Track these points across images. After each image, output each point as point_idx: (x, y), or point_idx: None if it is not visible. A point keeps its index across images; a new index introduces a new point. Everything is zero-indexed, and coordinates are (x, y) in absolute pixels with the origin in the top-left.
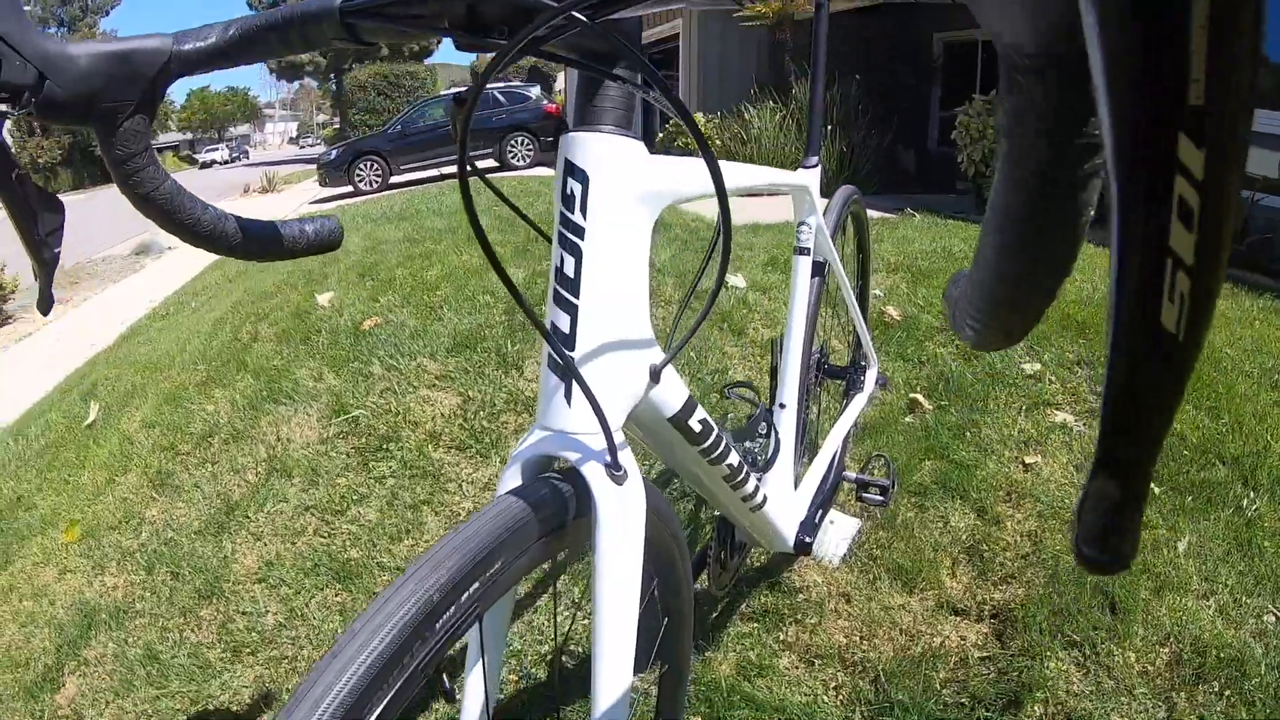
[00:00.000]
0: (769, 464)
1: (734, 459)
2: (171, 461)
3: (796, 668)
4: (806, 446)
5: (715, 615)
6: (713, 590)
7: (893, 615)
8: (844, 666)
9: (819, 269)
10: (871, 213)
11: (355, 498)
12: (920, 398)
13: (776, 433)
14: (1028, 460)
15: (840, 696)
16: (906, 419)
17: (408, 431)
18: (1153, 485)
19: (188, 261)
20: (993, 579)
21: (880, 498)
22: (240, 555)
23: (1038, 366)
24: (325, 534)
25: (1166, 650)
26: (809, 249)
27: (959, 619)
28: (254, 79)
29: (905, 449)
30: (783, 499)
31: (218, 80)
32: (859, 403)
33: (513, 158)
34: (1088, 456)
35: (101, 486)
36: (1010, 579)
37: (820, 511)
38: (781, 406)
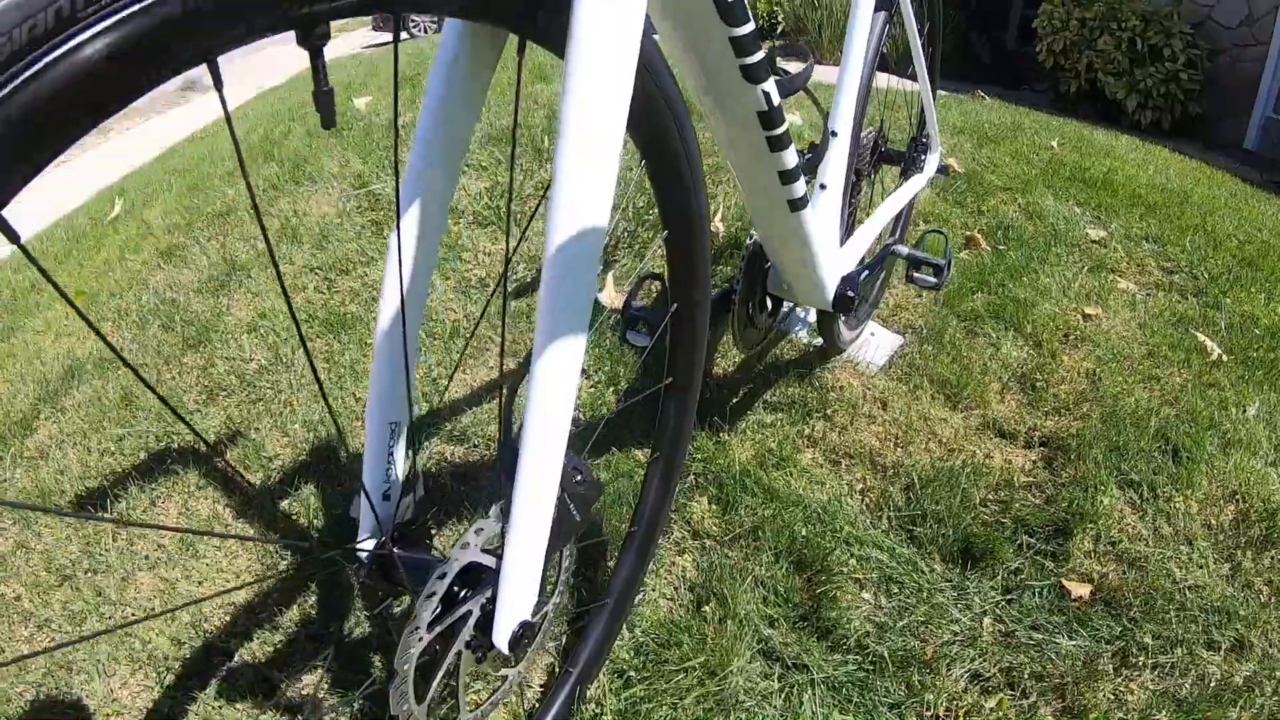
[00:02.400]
0: (817, 193)
1: (791, 152)
2: (184, 237)
3: (820, 465)
4: (854, 222)
5: (735, 400)
6: (737, 346)
7: (932, 426)
8: (874, 470)
9: (885, 5)
10: (940, 92)
11: (363, 259)
12: (978, 236)
13: (829, 156)
14: (1088, 311)
15: (867, 500)
16: (961, 254)
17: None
18: (1219, 353)
19: (234, 95)
20: (1044, 409)
21: (933, 279)
22: (235, 309)
23: (1103, 233)
24: (325, 290)
25: (1232, 508)
26: None
27: (1005, 441)
28: None
29: (957, 278)
30: (826, 244)
31: None
32: (916, 183)
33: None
34: (1150, 320)
35: (113, 263)
36: (1063, 410)
37: (865, 273)
38: (834, 134)
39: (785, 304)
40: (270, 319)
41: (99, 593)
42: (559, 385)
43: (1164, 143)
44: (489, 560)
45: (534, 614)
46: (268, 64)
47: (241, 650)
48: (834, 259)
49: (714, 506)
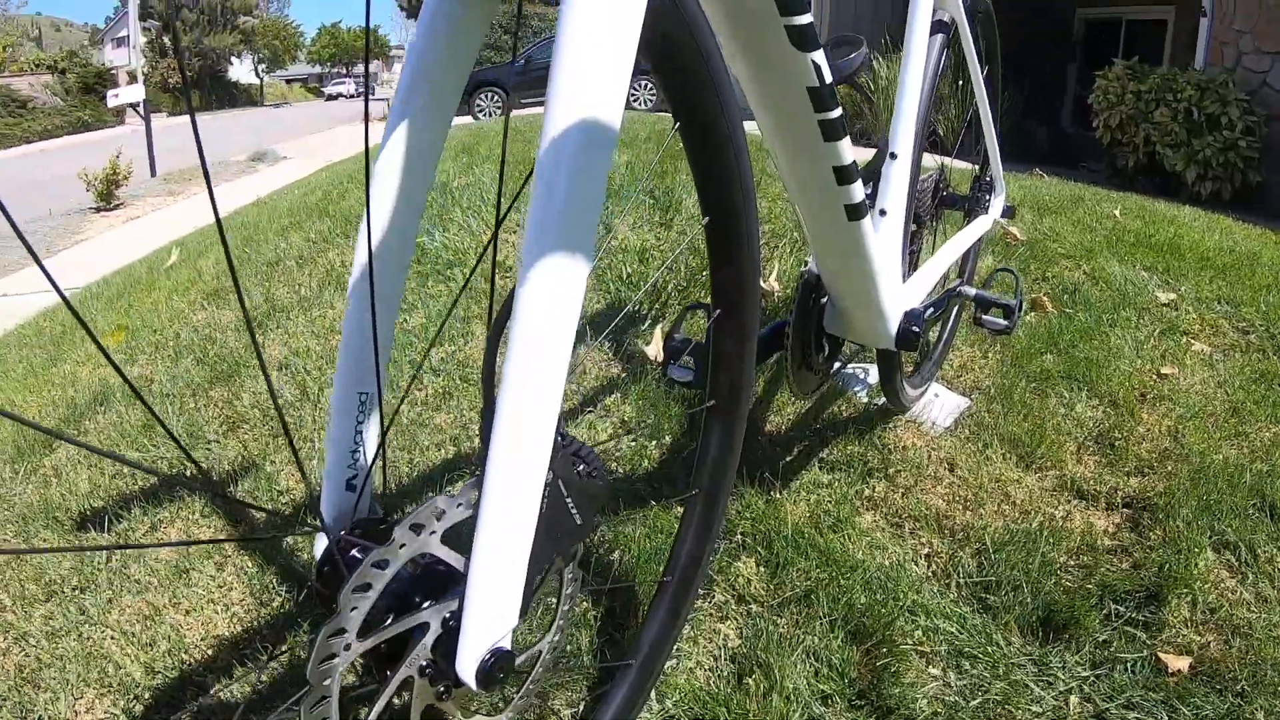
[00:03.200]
0: (877, 219)
1: (847, 146)
2: (231, 281)
3: (881, 528)
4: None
5: (788, 458)
6: (792, 390)
7: (1004, 487)
8: (940, 533)
9: (942, 28)
10: None
11: (404, 307)
12: (1044, 299)
13: (890, 179)
14: (1164, 370)
15: (934, 566)
16: (1028, 316)
17: (473, 260)
18: None
19: (300, 167)
20: (1126, 468)
21: (1003, 321)
22: (269, 347)
23: (1173, 296)
24: None
25: None
26: None
27: (1085, 502)
28: (384, 18)
29: (1025, 340)
30: (887, 272)
31: (350, 17)
32: (982, 225)
33: (634, 101)
34: (1231, 377)
35: (160, 304)
36: (1147, 469)
37: (930, 310)
38: (893, 156)
39: (843, 350)
40: (302, 358)
41: (83, 611)
42: (550, 327)
43: (1226, 213)
44: (453, 559)
45: (516, 644)
46: (330, 143)
47: (219, 686)
48: (897, 291)
49: (762, 569)
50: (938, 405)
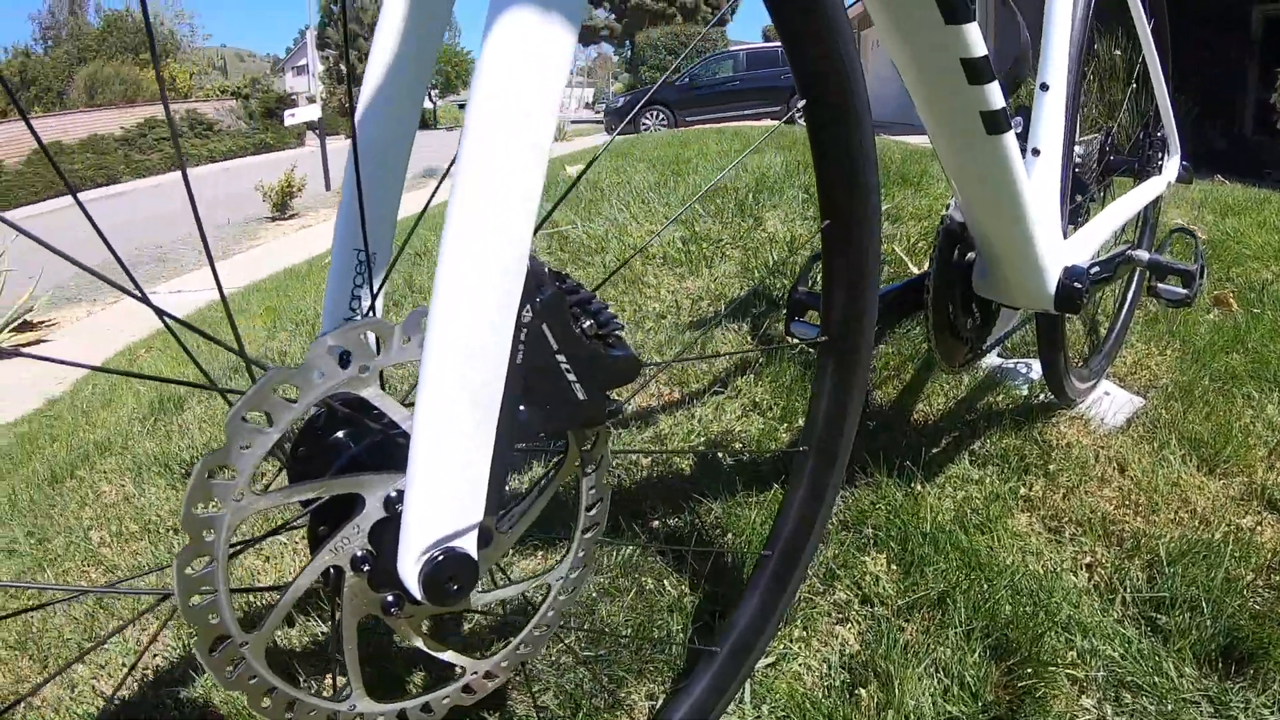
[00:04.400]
0: (1030, 160)
1: (975, 31)
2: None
3: (1037, 531)
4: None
5: (935, 449)
6: (937, 358)
7: (1184, 494)
8: (1106, 541)
9: None
10: None
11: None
12: (1228, 297)
13: (1042, 115)
14: None
15: (1096, 578)
16: (1209, 315)
17: (616, 245)
18: None
19: None
20: None
21: (1182, 290)
22: (398, 314)
23: None
24: None
25: None
26: None
27: (1277, 515)
28: None
29: (1207, 337)
30: (1043, 218)
31: None
32: (1155, 186)
33: (800, 116)
34: None
35: (309, 292)
36: None
37: (1096, 270)
38: (1044, 88)
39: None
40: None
41: None
42: (521, 80)
43: None
44: (397, 414)
45: (488, 548)
46: None
47: None
48: (1055, 244)
49: (893, 567)
50: (1108, 402)
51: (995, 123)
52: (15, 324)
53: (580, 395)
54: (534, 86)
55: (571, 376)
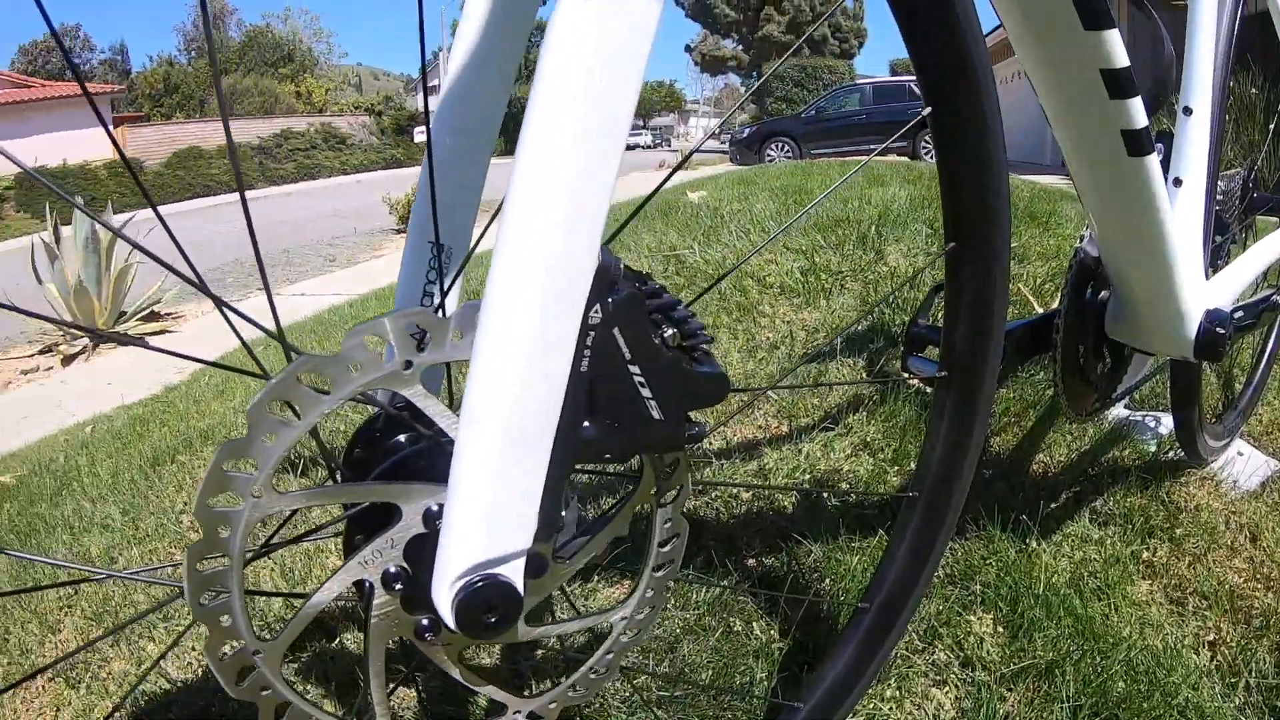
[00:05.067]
0: (1171, 191)
1: (1118, 39)
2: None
3: (1158, 601)
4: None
5: (1054, 504)
6: (1063, 404)
7: None
8: (1233, 618)
9: None
10: None
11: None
12: None
13: (1184, 141)
14: None
15: (1219, 658)
16: None
17: (734, 273)
18: None
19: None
20: None
21: None
22: None
23: None
24: None
25: None
26: None
27: None
28: (681, 73)
29: None
30: (1185, 254)
31: (648, 70)
32: None
33: (925, 151)
34: None
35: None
36: None
37: (1240, 315)
38: (1187, 112)
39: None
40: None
41: None
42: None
43: None
44: (443, 419)
45: (541, 577)
46: (630, 188)
47: None
48: (1197, 282)
49: (1000, 630)
50: (1242, 463)
51: (1138, 143)
52: (144, 314)
53: (655, 414)
54: (614, 43)
55: (646, 392)
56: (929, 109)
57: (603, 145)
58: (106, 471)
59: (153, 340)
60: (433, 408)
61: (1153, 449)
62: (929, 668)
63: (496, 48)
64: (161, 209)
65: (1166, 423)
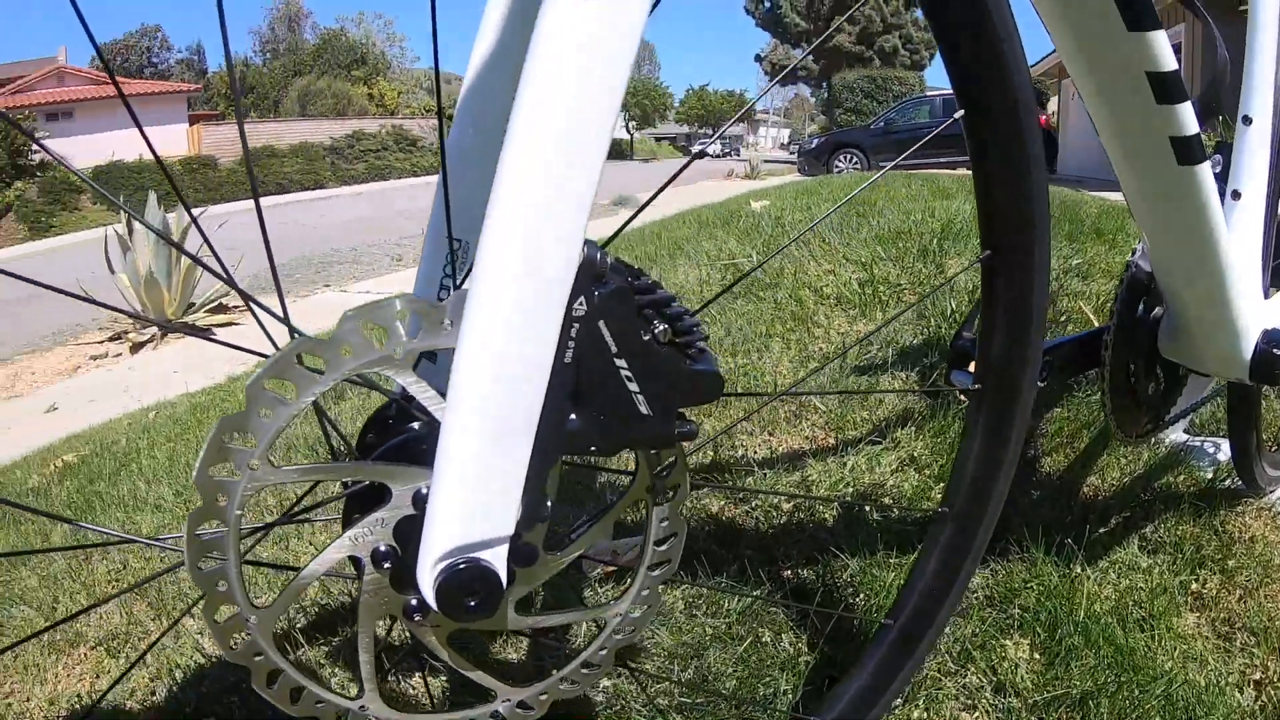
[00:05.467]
0: (1230, 204)
1: (1165, 41)
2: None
3: (1204, 635)
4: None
5: (1101, 529)
6: (1113, 425)
7: None
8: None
9: None
10: None
11: (704, 316)
12: None
13: (1243, 152)
14: None
15: (1264, 698)
16: None
17: (791, 282)
18: None
19: (659, 210)
20: None
21: None
22: None
23: None
24: None
25: None
26: None
27: None
28: (750, 83)
29: None
30: (1242, 270)
31: (719, 79)
32: None
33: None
34: None
35: None
36: None
37: None
38: (1246, 121)
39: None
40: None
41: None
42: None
43: None
44: (432, 404)
45: (530, 566)
46: (693, 196)
47: None
48: (1255, 301)
49: (1036, 655)
50: None
51: (1189, 151)
52: (212, 305)
53: (644, 409)
54: (601, 41)
55: (634, 386)
56: (960, 111)
57: (585, 141)
58: (164, 454)
59: (219, 333)
60: (424, 393)
61: (1209, 476)
62: (960, 690)
63: (516, 44)
64: (231, 206)
65: (1225, 449)
